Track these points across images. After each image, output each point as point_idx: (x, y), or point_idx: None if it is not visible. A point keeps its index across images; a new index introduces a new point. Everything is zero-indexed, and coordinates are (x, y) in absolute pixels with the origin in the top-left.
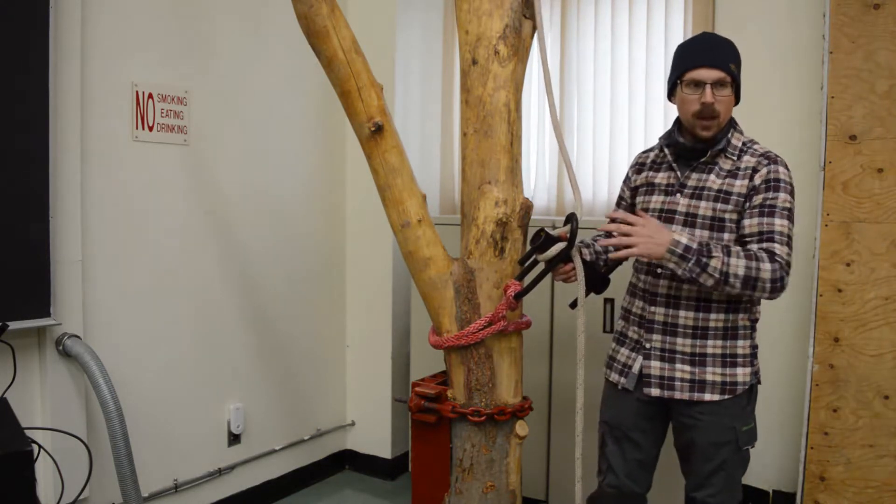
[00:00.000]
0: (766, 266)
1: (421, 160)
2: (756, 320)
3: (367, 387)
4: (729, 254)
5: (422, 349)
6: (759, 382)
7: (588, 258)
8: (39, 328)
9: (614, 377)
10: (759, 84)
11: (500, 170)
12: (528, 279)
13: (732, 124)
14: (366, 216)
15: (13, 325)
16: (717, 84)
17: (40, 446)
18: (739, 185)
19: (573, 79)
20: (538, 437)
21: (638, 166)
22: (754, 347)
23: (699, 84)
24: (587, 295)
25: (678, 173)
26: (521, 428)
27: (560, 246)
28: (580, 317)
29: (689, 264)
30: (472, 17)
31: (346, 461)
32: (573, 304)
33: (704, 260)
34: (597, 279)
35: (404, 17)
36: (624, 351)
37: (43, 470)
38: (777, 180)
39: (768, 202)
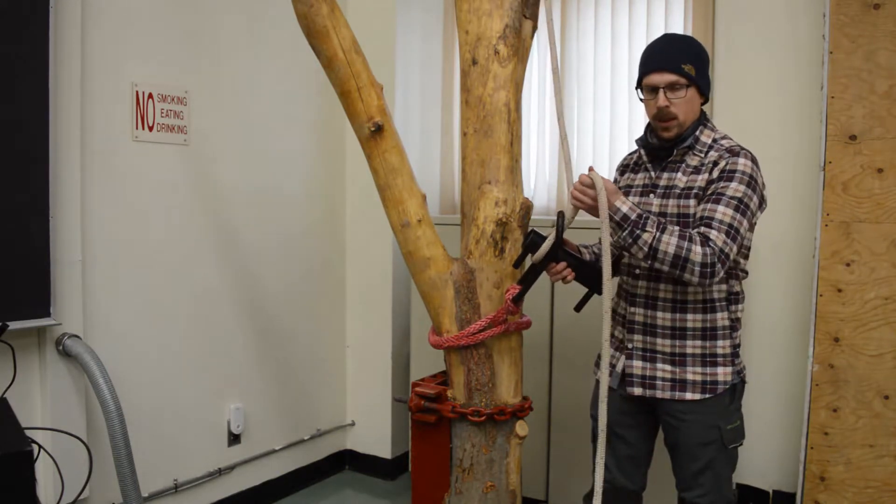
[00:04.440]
0: (698, 249)
1: (421, 160)
2: (737, 320)
3: (367, 387)
4: (663, 231)
5: (422, 349)
6: (743, 381)
7: (587, 258)
8: (39, 328)
9: (597, 372)
10: (759, 84)
11: (500, 170)
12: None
13: (702, 121)
14: (366, 216)
15: (13, 325)
16: (670, 87)
17: (40, 446)
18: (700, 179)
19: (573, 79)
20: (538, 437)
21: (622, 168)
22: (735, 347)
23: (654, 88)
24: (591, 295)
25: (652, 174)
26: (521, 428)
27: (549, 244)
28: (605, 297)
29: (624, 233)
30: (472, 17)
31: (346, 461)
32: (578, 307)
33: (637, 232)
34: (596, 278)
35: (404, 18)
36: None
37: (43, 470)
38: (732, 171)
39: (718, 191)
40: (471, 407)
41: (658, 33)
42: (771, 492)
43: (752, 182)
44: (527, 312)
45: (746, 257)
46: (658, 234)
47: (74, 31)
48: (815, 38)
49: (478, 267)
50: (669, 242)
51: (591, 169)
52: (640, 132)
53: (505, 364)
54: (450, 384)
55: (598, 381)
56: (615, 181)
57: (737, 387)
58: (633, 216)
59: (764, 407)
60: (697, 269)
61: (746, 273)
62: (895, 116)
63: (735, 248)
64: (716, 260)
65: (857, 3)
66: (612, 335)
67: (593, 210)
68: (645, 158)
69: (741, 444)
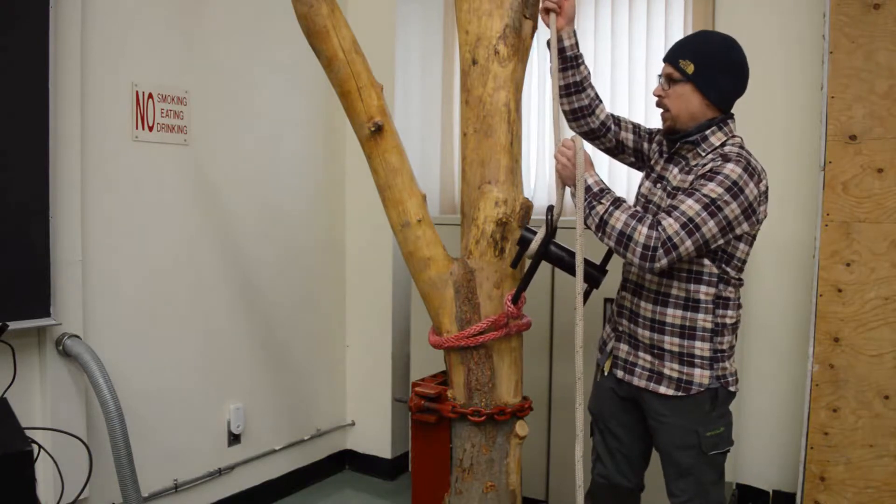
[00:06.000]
0: (643, 230)
1: (421, 160)
2: (723, 325)
3: (367, 387)
4: (618, 207)
5: (422, 349)
6: (724, 387)
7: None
8: (39, 328)
9: (597, 355)
10: (759, 84)
11: (500, 170)
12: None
13: (718, 122)
14: (366, 216)
15: (13, 325)
16: (666, 78)
17: (40, 446)
18: (689, 180)
19: None
20: (538, 437)
21: (657, 144)
22: (718, 352)
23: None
24: (590, 291)
25: (661, 163)
26: (521, 428)
27: (539, 239)
28: (578, 305)
29: (584, 203)
30: (472, 17)
31: (346, 461)
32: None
33: (594, 203)
34: (587, 274)
35: (404, 18)
36: (607, 328)
37: (43, 470)
38: (716, 172)
39: (694, 187)
40: (471, 407)
41: (658, 33)
42: (771, 492)
43: (734, 189)
44: (527, 311)
45: (739, 269)
46: (611, 208)
47: (74, 31)
48: (815, 38)
49: (478, 267)
50: (619, 218)
51: (574, 138)
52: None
53: (505, 364)
54: (450, 384)
55: (597, 371)
56: (650, 133)
57: (718, 393)
58: (596, 189)
59: (764, 407)
60: (639, 249)
61: (740, 280)
62: (895, 116)
63: (690, 245)
64: (658, 245)
65: (857, 3)
66: (612, 318)
67: (570, 176)
68: (665, 147)
69: (728, 451)
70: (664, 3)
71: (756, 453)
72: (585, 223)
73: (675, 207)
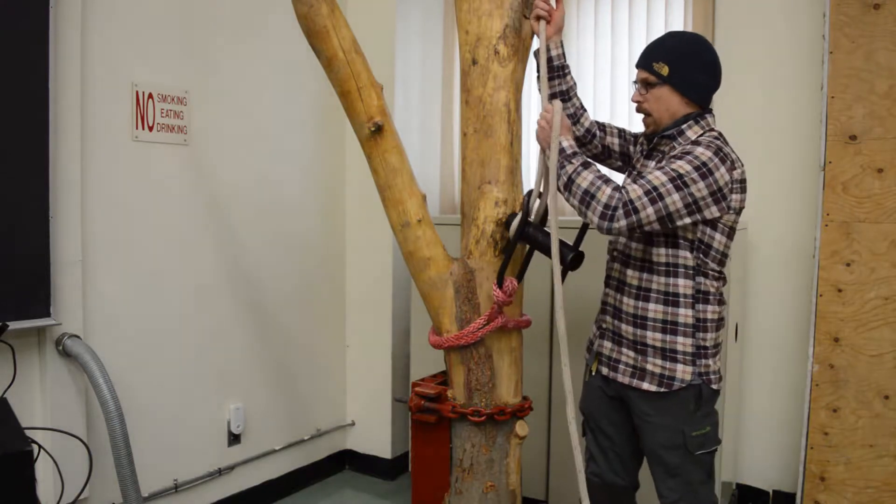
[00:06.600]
0: (607, 190)
1: (421, 160)
2: (704, 320)
3: (367, 387)
4: (586, 167)
5: (422, 349)
6: (707, 384)
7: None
8: (39, 328)
9: (585, 354)
10: (759, 84)
11: (500, 170)
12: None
13: (695, 117)
14: (366, 216)
15: (13, 325)
16: (643, 83)
17: (40, 446)
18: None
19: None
20: (538, 437)
21: (639, 145)
22: (701, 348)
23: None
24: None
25: (642, 160)
26: (521, 428)
27: (517, 221)
28: (558, 292)
29: (556, 164)
30: (472, 17)
31: (346, 461)
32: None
33: (565, 163)
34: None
35: (404, 17)
36: (593, 327)
37: (43, 470)
38: (685, 153)
39: (662, 163)
40: (471, 407)
41: (658, 31)
42: (771, 492)
43: (703, 169)
44: (527, 311)
45: (720, 263)
46: (580, 168)
47: (74, 31)
48: (815, 38)
49: (478, 267)
50: (586, 178)
51: (553, 102)
52: (639, 129)
53: (505, 364)
54: (450, 384)
55: (585, 370)
56: (635, 137)
57: (702, 391)
58: (569, 151)
59: (764, 407)
60: (599, 208)
61: (721, 275)
62: (895, 116)
63: (651, 212)
64: (619, 205)
65: (857, 3)
66: (597, 316)
67: (546, 138)
68: (645, 144)
69: (715, 451)
70: (664, 3)
71: (756, 453)
72: (559, 183)
73: (642, 176)
